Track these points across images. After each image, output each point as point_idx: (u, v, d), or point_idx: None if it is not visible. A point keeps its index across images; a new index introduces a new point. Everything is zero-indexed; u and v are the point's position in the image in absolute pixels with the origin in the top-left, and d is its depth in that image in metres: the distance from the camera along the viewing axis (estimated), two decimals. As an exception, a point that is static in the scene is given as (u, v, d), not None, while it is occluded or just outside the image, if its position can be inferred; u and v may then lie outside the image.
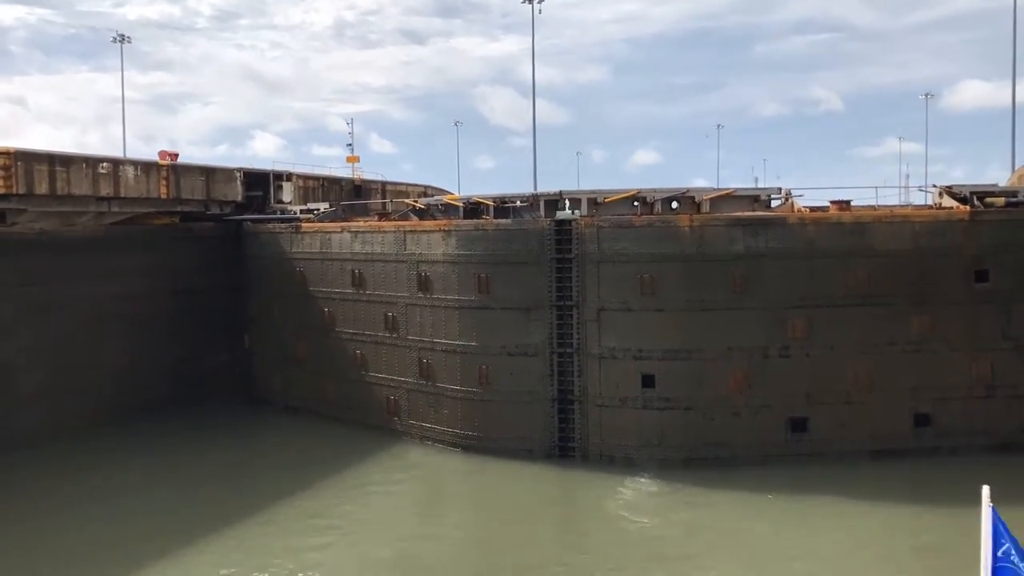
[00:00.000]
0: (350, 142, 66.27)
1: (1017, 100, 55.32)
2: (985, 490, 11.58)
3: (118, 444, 37.05)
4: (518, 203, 33.87)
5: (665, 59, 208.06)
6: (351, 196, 51.02)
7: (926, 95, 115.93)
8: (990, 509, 11.48)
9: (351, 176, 57.27)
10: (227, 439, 37.56)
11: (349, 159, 64.27)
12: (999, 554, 11.51)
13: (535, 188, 34.95)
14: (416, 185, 59.74)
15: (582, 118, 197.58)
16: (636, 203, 33.13)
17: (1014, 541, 11.50)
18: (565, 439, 32.19)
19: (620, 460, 31.26)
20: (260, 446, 37.06)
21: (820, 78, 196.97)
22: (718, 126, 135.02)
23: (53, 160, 33.85)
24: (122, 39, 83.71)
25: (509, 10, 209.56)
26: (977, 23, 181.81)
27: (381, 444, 35.07)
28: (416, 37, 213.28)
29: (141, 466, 33.37)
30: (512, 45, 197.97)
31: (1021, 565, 11.44)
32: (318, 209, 42.21)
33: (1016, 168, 40.77)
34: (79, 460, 33.83)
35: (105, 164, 36.03)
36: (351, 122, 66.46)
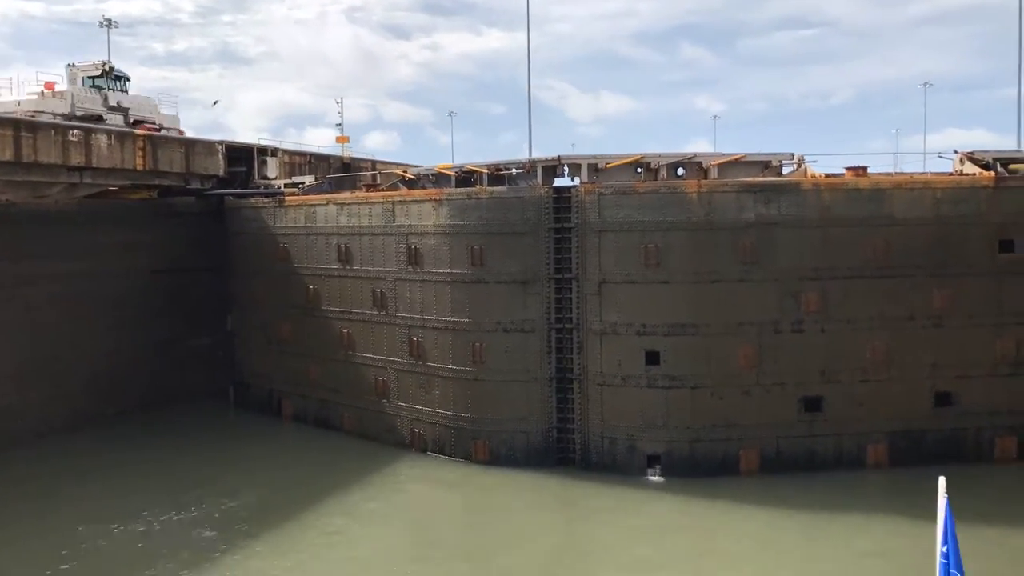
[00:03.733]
0: (340, 122, 63.96)
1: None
2: (941, 481, 10.95)
3: (93, 438, 35.31)
4: (514, 170, 31.90)
5: (650, 54, 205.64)
6: (340, 173, 48.91)
7: (924, 84, 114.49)
8: (945, 500, 10.91)
9: (341, 155, 55.15)
10: (203, 437, 35.83)
11: (339, 139, 61.81)
12: (943, 549, 10.95)
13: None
14: (410, 165, 57.63)
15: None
16: (640, 169, 31.17)
17: (955, 543, 10.87)
18: (563, 420, 30.28)
19: (622, 443, 29.40)
20: (232, 451, 34.51)
21: (812, 72, 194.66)
22: (714, 117, 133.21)
23: (19, 125, 31.74)
24: (109, 24, 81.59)
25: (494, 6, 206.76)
26: (968, 19, 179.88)
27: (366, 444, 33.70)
28: (400, 32, 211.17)
29: (117, 464, 31.75)
30: (496, 41, 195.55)
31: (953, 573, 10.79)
32: (303, 183, 40.16)
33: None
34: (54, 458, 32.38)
35: (76, 132, 33.91)
36: (340, 101, 64.09)
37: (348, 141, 62.57)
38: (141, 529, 25.51)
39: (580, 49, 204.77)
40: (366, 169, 52.63)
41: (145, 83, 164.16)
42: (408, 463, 31.82)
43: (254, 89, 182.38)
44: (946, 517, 10.92)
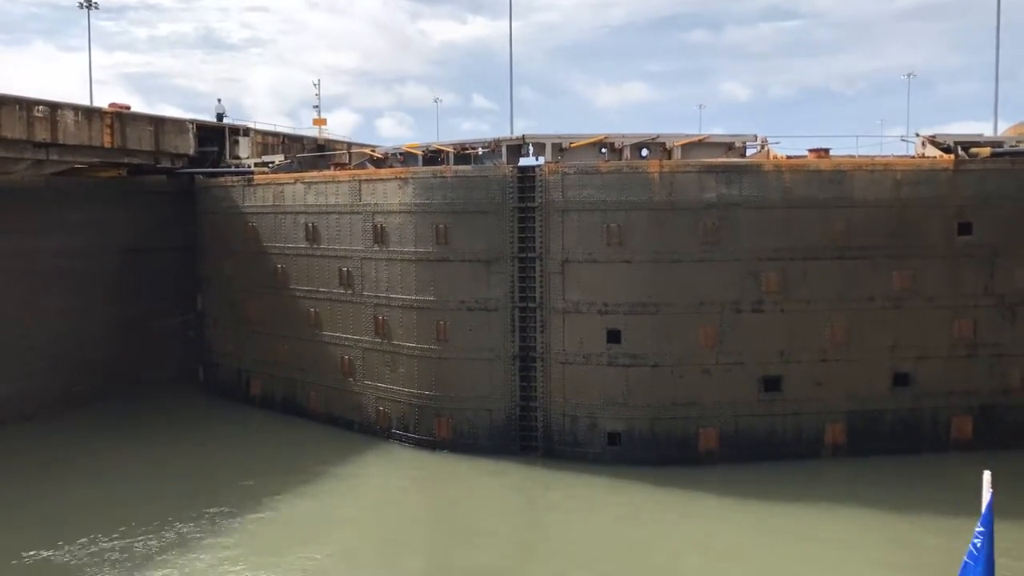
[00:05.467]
0: (317, 103, 63.79)
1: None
2: (987, 476, 10.34)
3: (59, 421, 35.21)
4: (480, 150, 32.00)
5: (635, 44, 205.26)
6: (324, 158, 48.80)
7: (908, 75, 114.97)
8: (990, 495, 10.19)
9: (316, 137, 55.01)
10: (169, 422, 35.83)
11: (316, 121, 61.76)
12: (976, 543, 10.21)
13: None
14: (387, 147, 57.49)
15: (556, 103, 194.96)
16: (604, 149, 31.34)
17: (990, 540, 10.15)
18: (527, 399, 30.46)
19: (583, 421, 29.63)
20: (193, 440, 34.01)
21: (791, 66, 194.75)
22: (700, 106, 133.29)
23: (-19, 99, 31.62)
24: (89, 5, 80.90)
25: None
26: (947, 13, 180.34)
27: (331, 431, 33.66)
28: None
29: (86, 450, 31.73)
30: (481, 28, 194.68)
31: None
32: (273, 162, 40.08)
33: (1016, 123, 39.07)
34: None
35: (41, 107, 33.70)
36: (318, 83, 63.93)
37: (326, 123, 62.61)
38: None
39: (567, 38, 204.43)
40: (342, 150, 52.55)
41: (128, 69, 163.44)
42: (373, 453, 31.51)
43: (266, 76, 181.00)
44: (986, 511, 10.13)
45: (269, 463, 30.38)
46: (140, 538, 23.28)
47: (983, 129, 51.85)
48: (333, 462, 30.17)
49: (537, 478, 28.74)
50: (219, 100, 61.36)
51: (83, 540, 23.10)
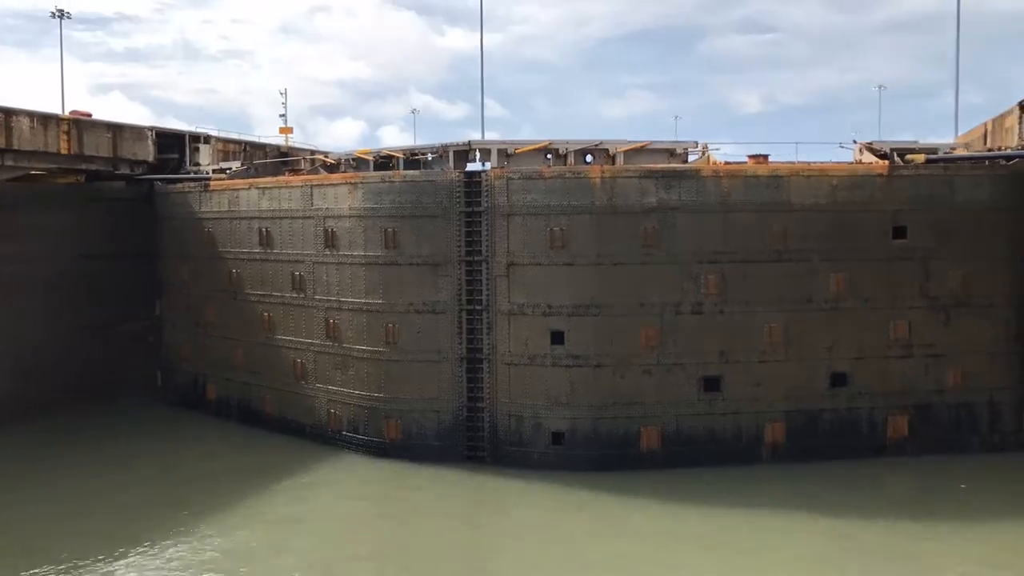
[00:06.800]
0: (283, 112, 64.26)
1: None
2: None
3: (14, 428, 35.37)
4: (429, 155, 32.57)
5: (612, 57, 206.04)
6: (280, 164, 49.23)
7: (879, 87, 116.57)
8: None
9: (280, 144, 55.39)
10: (128, 428, 36.24)
11: (282, 130, 62.13)
12: None
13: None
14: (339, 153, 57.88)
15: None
16: (549, 155, 31.99)
17: None
18: (473, 399, 30.97)
19: (528, 421, 30.17)
20: (147, 443, 34.56)
21: (763, 79, 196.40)
22: (676, 117, 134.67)
23: (-67, 105, 31.92)
24: (61, 15, 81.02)
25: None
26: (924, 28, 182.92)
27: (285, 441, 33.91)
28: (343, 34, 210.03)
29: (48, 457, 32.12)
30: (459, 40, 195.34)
31: None
32: (230, 168, 40.50)
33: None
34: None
35: (-5, 113, 34.09)
36: (284, 92, 64.39)
37: (292, 132, 62.95)
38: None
39: (548, 50, 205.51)
40: (304, 159, 53.00)
41: (105, 79, 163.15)
42: (327, 465, 31.55)
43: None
44: None
45: (214, 482, 29.98)
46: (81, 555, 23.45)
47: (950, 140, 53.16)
48: (283, 477, 29.96)
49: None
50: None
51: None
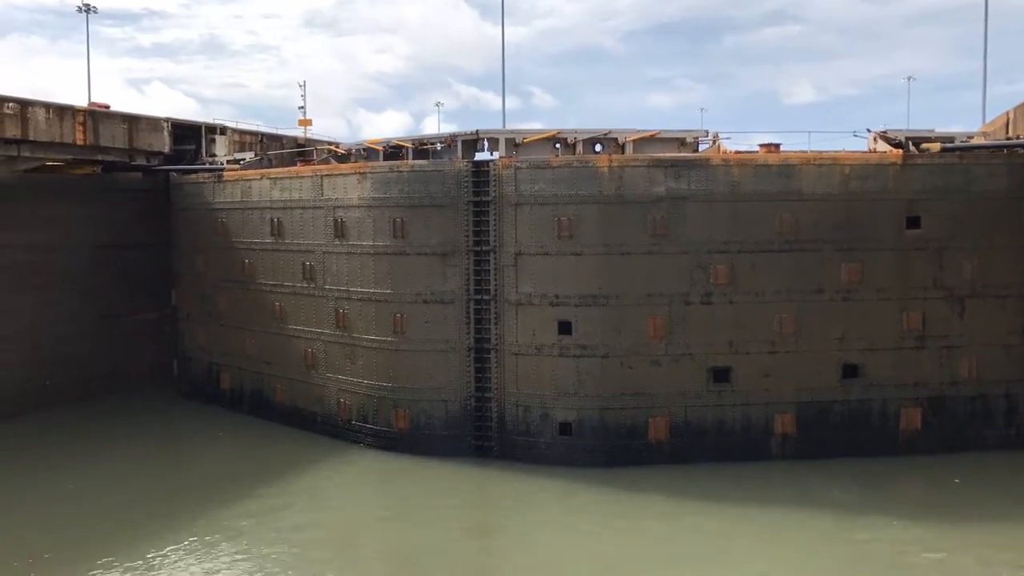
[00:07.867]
0: (302, 104, 64.78)
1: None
2: None
3: (31, 417, 35.77)
4: (437, 145, 32.52)
5: (638, 51, 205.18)
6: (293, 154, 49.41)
7: (908, 79, 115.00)
8: None
9: (298, 136, 55.68)
10: (137, 422, 36.53)
11: (301, 122, 62.82)
12: None
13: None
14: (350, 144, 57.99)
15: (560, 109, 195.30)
16: (557, 144, 31.83)
17: None
18: (481, 389, 30.93)
19: (536, 412, 30.08)
20: (159, 440, 34.94)
21: (794, 71, 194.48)
22: (701, 110, 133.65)
23: (-50, 96, 32.34)
24: (87, 9, 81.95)
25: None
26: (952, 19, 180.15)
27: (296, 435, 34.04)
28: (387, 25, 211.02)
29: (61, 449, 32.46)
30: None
31: None
32: (244, 159, 40.69)
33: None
34: None
35: (11, 104, 34.43)
36: (303, 84, 64.92)
37: (311, 124, 63.42)
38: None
39: (566, 43, 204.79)
40: (323, 150, 53.13)
41: (133, 74, 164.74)
42: (337, 459, 31.57)
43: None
44: None
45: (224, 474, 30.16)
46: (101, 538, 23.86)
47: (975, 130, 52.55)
48: (292, 473, 29.96)
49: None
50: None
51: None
